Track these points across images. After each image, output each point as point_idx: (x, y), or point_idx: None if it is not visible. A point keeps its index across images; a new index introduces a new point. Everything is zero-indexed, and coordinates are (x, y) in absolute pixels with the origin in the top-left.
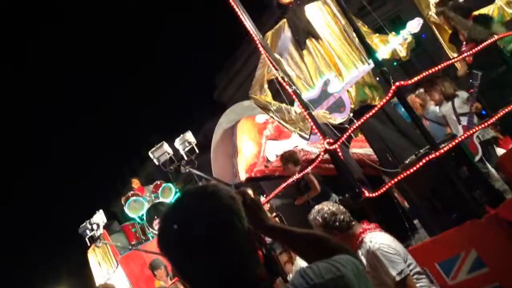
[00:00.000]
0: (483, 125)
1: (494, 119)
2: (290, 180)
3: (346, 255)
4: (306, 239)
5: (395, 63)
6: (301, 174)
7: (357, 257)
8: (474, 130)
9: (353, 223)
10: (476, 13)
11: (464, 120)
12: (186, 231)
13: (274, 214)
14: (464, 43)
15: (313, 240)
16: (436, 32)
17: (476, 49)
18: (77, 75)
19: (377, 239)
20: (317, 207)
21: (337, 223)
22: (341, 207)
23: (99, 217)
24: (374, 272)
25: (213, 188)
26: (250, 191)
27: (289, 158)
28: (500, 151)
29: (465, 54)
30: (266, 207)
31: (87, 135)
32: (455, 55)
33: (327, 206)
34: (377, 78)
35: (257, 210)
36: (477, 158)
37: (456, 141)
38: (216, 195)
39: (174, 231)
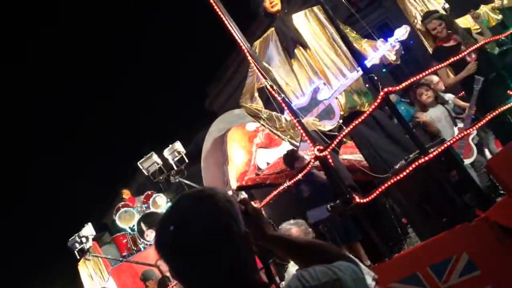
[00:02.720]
0: (475, 127)
1: (485, 120)
2: (281, 187)
3: (346, 262)
4: (306, 247)
5: (383, 70)
6: (292, 181)
7: (358, 265)
8: (466, 132)
9: None
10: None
11: (460, 123)
12: (182, 233)
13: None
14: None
15: (313, 248)
16: (424, 40)
17: (464, 53)
18: (69, 82)
19: None
20: (282, 224)
21: None
22: (308, 228)
23: (88, 230)
24: None
25: (210, 191)
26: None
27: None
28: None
29: (453, 58)
30: None
31: (77, 146)
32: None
33: (286, 227)
34: (367, 85)
35: (258, 219)
36: (471, 160)
37: (445, 145)
38: (213, 198)
39: (170, 233)
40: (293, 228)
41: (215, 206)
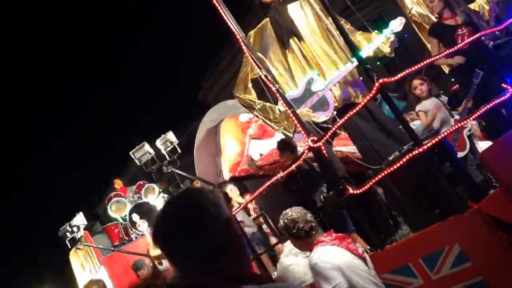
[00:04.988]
0: (469, 119)
1: (479, 112)
2: (274, 178)
3: None
4: None
5: (378, 63)
6: (285, 172)
7: None
8: (460, 124)
9: (314, 232)
10: None
11: (457, 115)
12: (166, 219)
13: (257, 213)
14: (460, 28)
15: None
16: (418, 32)
17: (474, 37)
18: (60, 76)
19: (319, 254)
20: (287, 210)
21: (294, 231)
22: (307, 216)
23: (79, 219)
24: (317, 285)
25: (196, 186)
26: (233, 188)
27: (287, 145)
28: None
29: (460, 45)
30: (251, 206)
31: (70, 136)
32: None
33: (292, 212)
34: (361, 78)
35: None
36: (464, 153)
37: (439, 137)
38: (195, 189)
39: (157, 222)
40: (279, 224)
41: (196, 195)
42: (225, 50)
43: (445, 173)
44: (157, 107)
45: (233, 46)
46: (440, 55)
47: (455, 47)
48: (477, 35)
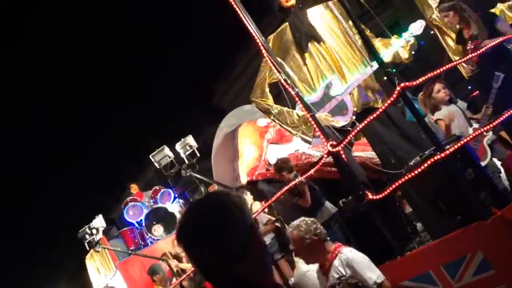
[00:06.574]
0: (490, 126)
1: (501, 119)
2: (292, 183)
3: None
4: None
5: (394, 70)
6: (303, 177)
7: None
8: (480, 131)
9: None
10: None
11: (475, 124)
12: (191, 220)
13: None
14: (470, 41)
15: None
16: (439, 36)
17: (485, 48)
18: (74, 76)
19: (350, 251)
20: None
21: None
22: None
23: (99, 222)
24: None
25: (223, 190)
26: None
27: (282, 165)
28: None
29: (472, 54)
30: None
31: (86, 140)
32: (457, 58)
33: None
34: (377, 84)
35: None
36: (485, 162)
37: (462, 142)
38: (222, 193)
39: (182, 223)
40: (294, 231)
41: (222, 198)
42: (241, 55)
43: (468, 179)
44: (171, 113)
45: (248, 51)
46: (460, 61)
47: (474, 54)
48: (480, 50)
